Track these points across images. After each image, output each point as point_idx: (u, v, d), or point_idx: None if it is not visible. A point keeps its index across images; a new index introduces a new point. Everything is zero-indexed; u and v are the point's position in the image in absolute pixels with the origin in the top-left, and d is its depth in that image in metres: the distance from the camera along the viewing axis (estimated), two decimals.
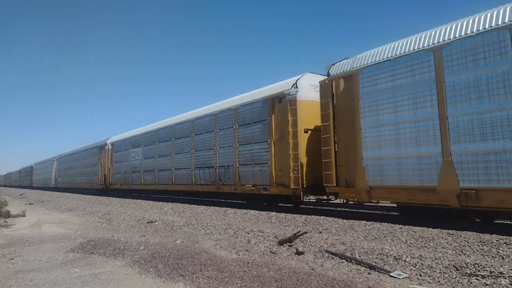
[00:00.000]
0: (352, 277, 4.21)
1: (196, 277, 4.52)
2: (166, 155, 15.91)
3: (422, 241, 5.51)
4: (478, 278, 3.94)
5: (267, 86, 11.36)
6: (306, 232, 6.39)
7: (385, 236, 5.98)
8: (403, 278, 4.17)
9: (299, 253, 5.45)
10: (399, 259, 4.70)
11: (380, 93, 7.56)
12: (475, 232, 5.78)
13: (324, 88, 8.87)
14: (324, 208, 11.45)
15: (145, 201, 15.89)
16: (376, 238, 5.96)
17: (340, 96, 8.47)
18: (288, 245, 5.90)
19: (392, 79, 7.38)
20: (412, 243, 5.47)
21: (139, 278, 4.70)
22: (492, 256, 4.64)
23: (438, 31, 6.95)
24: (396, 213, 9.25)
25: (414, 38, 7.34)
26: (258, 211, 9.80)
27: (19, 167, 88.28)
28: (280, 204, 11.34)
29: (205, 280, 4.37)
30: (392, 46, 7.68)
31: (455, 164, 6.28)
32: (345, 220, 7.52)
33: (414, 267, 4.45)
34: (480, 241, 5.22)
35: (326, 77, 9.05)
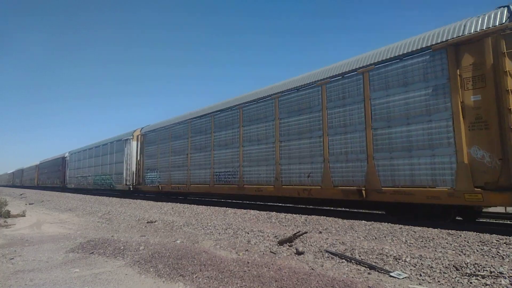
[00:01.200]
0: (352, 277, 4.21)
1: (196, 277, 4.52)
2: None
3: (422, 241, 5.50)
4: (478, 278, 3.94)
5: None
6: (306, 232, 6.39)
7: (385, 236, 5.98)
8: (403, 278, 4.17)
9: (299, 253, 5.45)
10: (399, 259, 4.70)
11: None
12: (475, 232, 5.79)
13: None
14: (324, 208, 11.46)
15: (145, 201, 15.89)
16: (376, 238, 5.96)
17: None
18: (288, 245, 5.90)
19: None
20: (412, 243, 5.47)
21: (139, 278, 4.70)
22: (492, 256, 4.64)
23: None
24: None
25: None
26: (258, 211, 9.80)
27: (18, 167, 69.94)
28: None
29: (205, 280, 4.37)
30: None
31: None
32: (345, 220, 7.53)
33: (414, 267, 4.45)
34: (480, 241, 5.22)
35: None
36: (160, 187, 16.04)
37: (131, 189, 18.89)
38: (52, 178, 35.85)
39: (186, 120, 14.87)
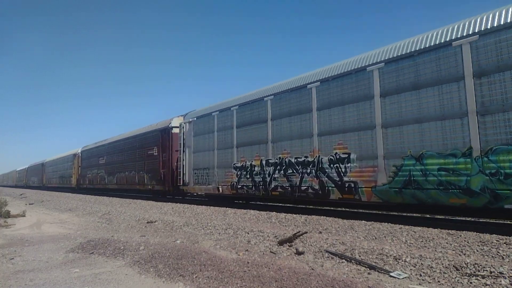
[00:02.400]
0: (352, 277, 4.21)
1: (196, 277, 4.52)
2: None
3: (422, 241, 5.51)
4: (478, 278, 3.94)
5: None
6: (306, 232, 6.39)
7: (385, 236, 5.98)
8: (403, 278, 4.17)
9: (299, 253, 5.45)
10: (399, 259, 4.70)
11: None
12: (475, 232, 5.79)
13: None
14: (324, 208, 11.45)
15: (145, 201, 15.89)
16: (376, 238, 5.96)
17: None
18: (288, 245, 5.90)
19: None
20: (412, 243, 5.47)
21: (139, 278, 4.70)
22: (492, 256, 4.64)
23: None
24: (396, 213, 9.25)
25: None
26: (258, 211, 9.80)
27: (17, 167, 56.13)
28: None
29: (205, 280, 4.37)
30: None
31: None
32: (345, 220, 7.53)
33: (414, 267, 4.45)
34: (480, 241, 5.22)
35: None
36: None
37: None
38: (126, 173, 19.17)
39: None
